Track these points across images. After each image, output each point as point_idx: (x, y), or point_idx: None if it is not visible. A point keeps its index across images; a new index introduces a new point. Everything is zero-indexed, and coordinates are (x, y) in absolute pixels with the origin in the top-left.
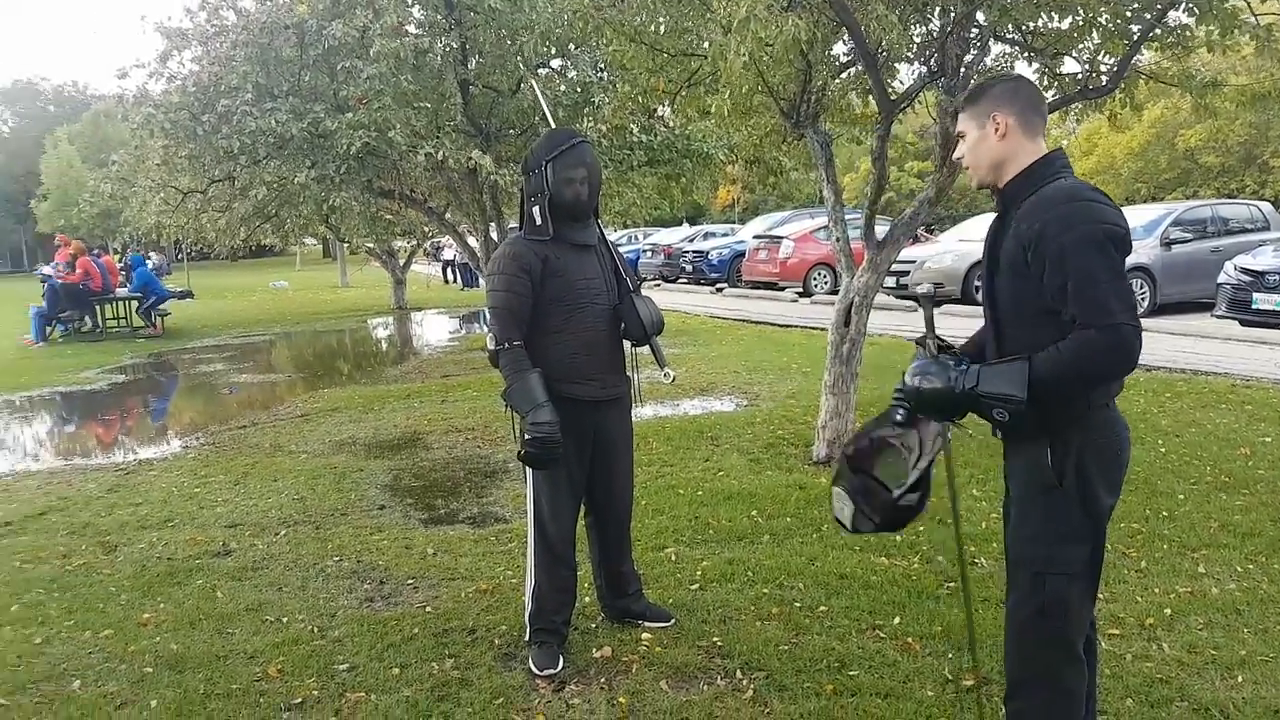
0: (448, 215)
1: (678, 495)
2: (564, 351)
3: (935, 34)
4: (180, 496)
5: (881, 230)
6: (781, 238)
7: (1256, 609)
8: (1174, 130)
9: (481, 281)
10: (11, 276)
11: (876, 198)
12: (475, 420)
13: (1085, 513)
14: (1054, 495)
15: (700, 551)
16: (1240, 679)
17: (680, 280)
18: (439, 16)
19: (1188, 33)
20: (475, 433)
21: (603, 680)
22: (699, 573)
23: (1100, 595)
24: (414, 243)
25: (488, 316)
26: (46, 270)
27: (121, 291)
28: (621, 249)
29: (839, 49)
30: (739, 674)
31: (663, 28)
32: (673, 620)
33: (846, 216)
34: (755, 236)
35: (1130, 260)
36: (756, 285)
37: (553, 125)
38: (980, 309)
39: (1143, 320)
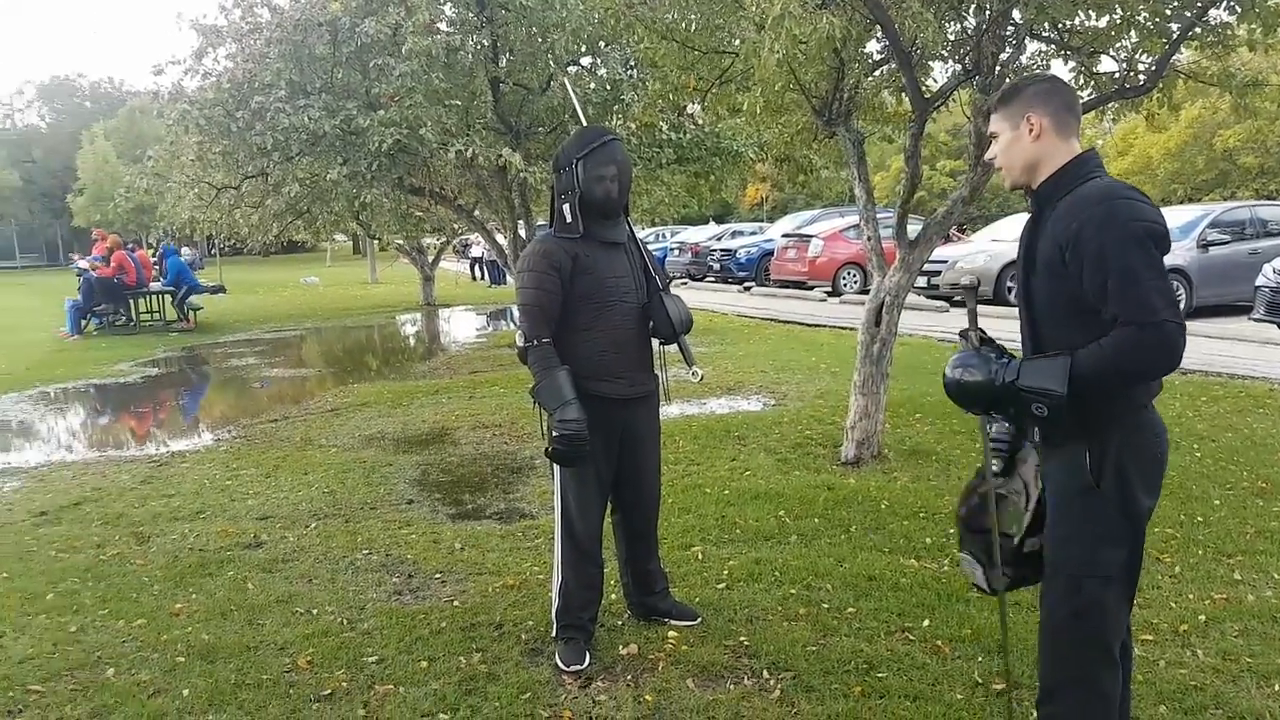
0: (476, 212)
1: (704, 494)
2: (592, 349)
3: (970, 32)
4: (212, 489)
5: (913, 229)
6: (811, 236)
7: None
8: (1212, 130)
9: (509, 279)
10: (47, 270)
11: (909, 196)
12: (502, 416)
13: (1123, 515)
14: (1091, 497)
15: (727, 551)
16: (1277, 688)
17: (707, 279)
18: (470, 14)
19: (1229, 31)
20: (502, 429)
21: (629, 677)
22: (726, 572)
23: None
24: (443, 240)
25: (517, 314)
26: (82, 264)
27: (155, 286)
28: (648, 247)
29: (872, 46)
30: (766, 674)
31: (694, 25)
32: (699, 619)
33: (878, 215)
34: (784, 235)
35: (1166, 261)
36: (785, 284)
37: (584, 123)
38: (1014, 309)
39: None
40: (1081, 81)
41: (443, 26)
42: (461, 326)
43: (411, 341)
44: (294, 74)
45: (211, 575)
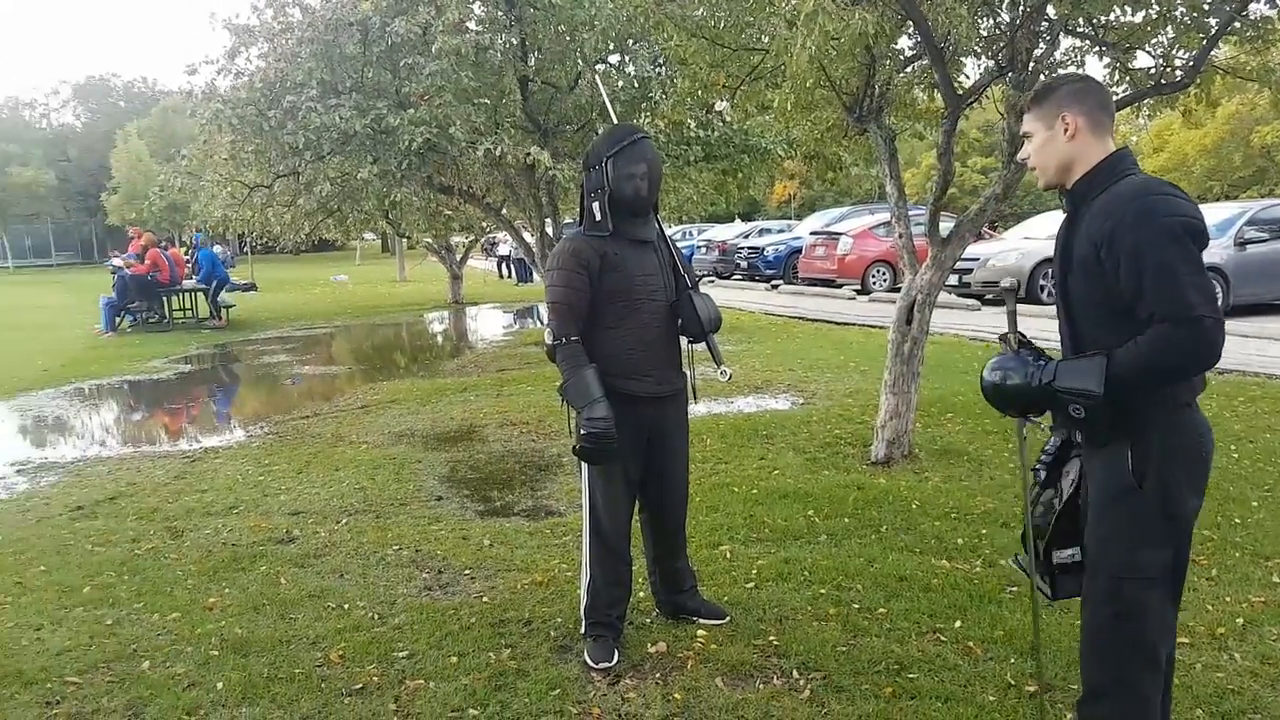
0: (504, 211)
1: (732, 493)
2: (621, 347)
3: (1004, 27)
4: (244, 484)
5: (945, 227)
6: (840, 234)
7: None
8: (1249, 126)
9: (536, 277)
10: (82, 268)
11: (942, 193)
12: (530, 414)
13: (1166, 516)
14: (1133, 497)
15: (755, 550)
16: None
17: (734, 277)
18: (499, 13)
19: (1269, 25)
20: (530, 427)
21: (658, 675)
22: (754, 571)
23: None
24: (471, 238)
25: (546, 312)
26: (116, 262)
27: (188, 283)
28: (677, 245)
29: (903, 42)
30: (795, 674)
31: (723, 22)
32: (728, 618)
33: (909, 212)
34: (812, 233)
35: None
36: (813, 282)
37: (615, 121)
38: (1047, 307)
39: None
40: (1116, 78)
41: (472, 25)
42: (489, 324)
43: (440, 339)
44: (325, 73)
45: (244, 570)
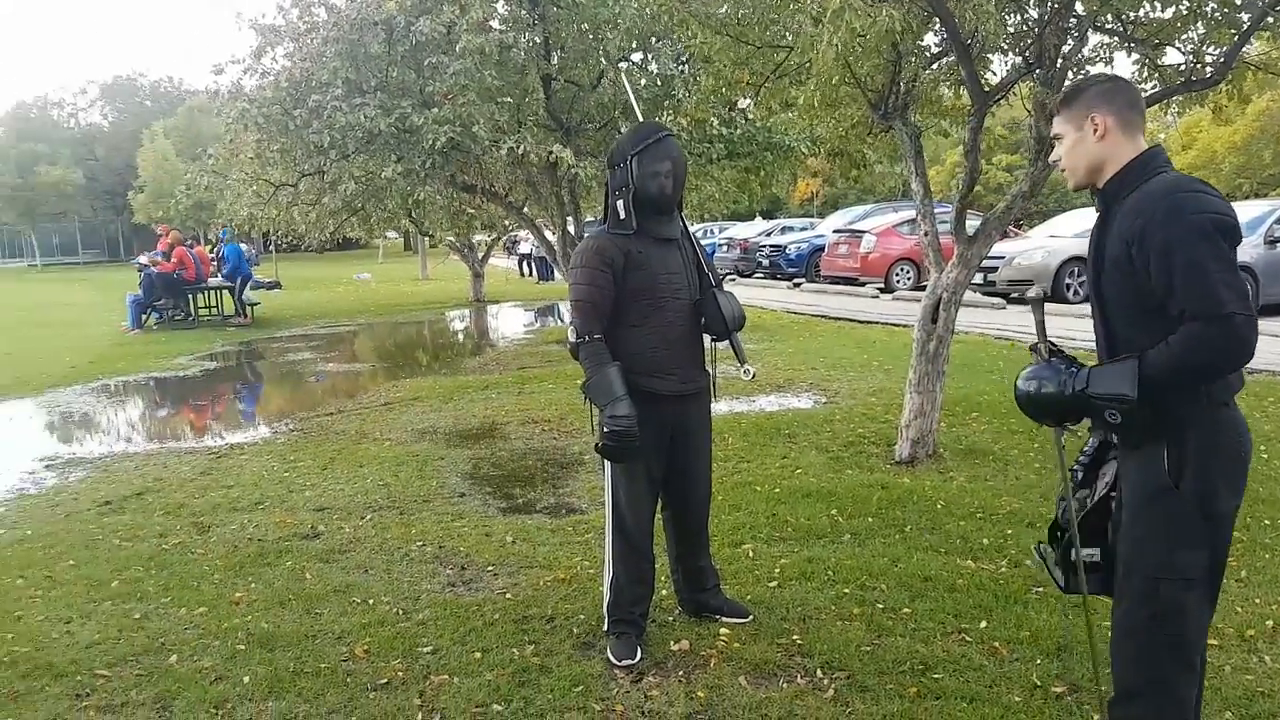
0: (526, 209)
1: (754, 492)
2: (644, 345)
3: (1031, 24)
4: (270, 480)
5: (971, 225)
6: (863, 232)
7: None
8: None
9: (557, 275)
10: (108, 265)
11: (968, 191)
12: (551, 412)
13: (1204, 516)
14: (1169, 497)
15: (778, 549)
16: None
17: (756, 275)
18: (523, 11)
19: None
20: (551, 424)
21: (680, 673)
22: (777, 570)
23: None
24: (493, 236)
25: (570, 309)
26: (143, 260)
27: (214, 281)
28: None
29: (929, 39)
30: (819, 673)
31: (748, 19)
32: (750, 616)
33: (935, 210)
34: (835, 231)
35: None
36: (835, 280)
37: (639, 119)
38: (1074, 307)
39: None
40: (1146, 74)
41: (495, 24)
42: (510, 322)
43: (461, 337)
44: (350, 73)
45: (270, 565)
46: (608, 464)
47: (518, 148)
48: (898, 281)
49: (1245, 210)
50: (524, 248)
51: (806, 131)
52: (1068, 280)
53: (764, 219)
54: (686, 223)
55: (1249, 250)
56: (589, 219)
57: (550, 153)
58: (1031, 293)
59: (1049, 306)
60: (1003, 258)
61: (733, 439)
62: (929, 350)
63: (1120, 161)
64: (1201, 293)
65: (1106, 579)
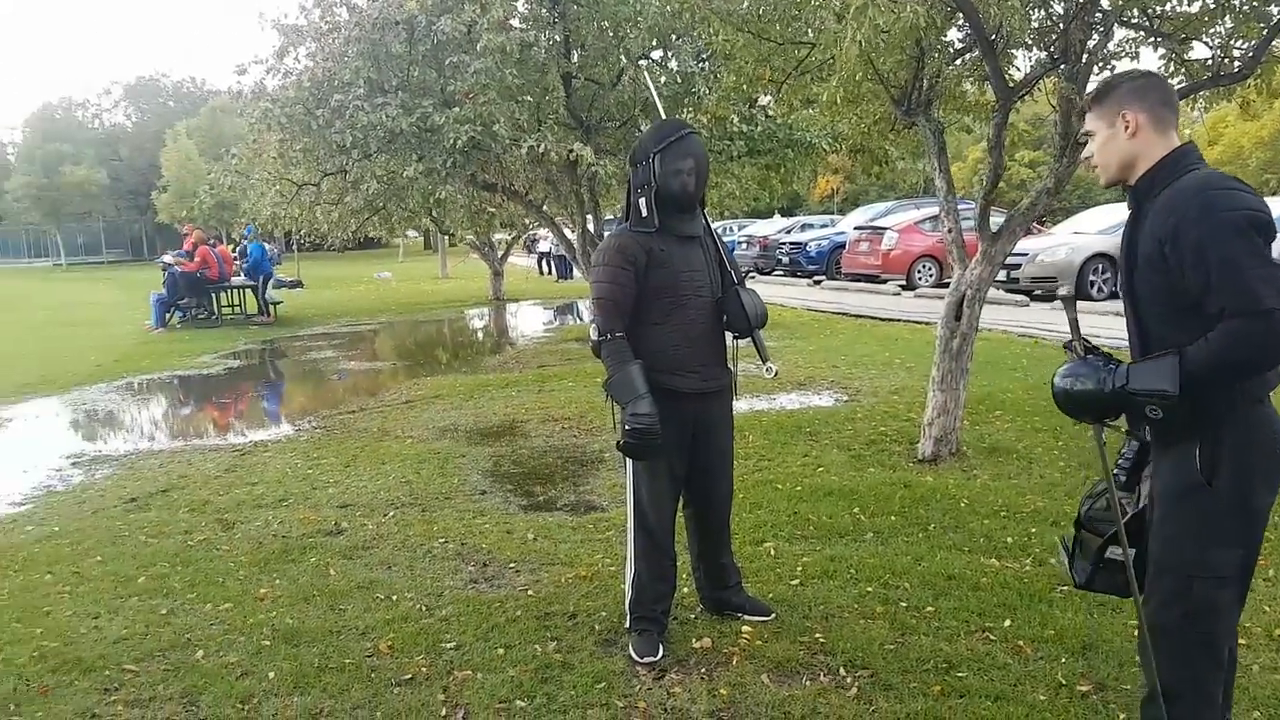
0: (545, 207)
1: (776, 490)
2: (666, 343)
3: (1056, 19)
4: (293, 477)
5: (994, 221)
6: (884, 229)
7: None
8: None
9: (576, 273)
10: (132, 265)
11: (992, 187)
12: (571, 410)
13: (1238, 513)
14: (1202, 495)
15: (800, 547)
16: None
17: (775, 272)
18: (543, 10)
19: None
20: (571, 422)
21: (703, 671)
22: (799, 568)
23: None
24: (513, 235)
25: (591, 308)
26: (167, 259)
27: (237, 280)
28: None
29: (953, 34)
30: (842, 671)
31: (770, 16)
32: (773, 614)
33: (958, 206)
34: (856, 228)
35: None
36: (857, 277)
37: (662, 117)
38: (1097, 304)
39: None
40: (1172, 69)
41: (516, 23)
42: (530, 321)
43: (481, 336)
44: (372, 72)
45: (294, 561)
46: (629, 462)
47: (538, 146)
48: (919, 278)
49: (1273, 206)
50: (543, 246)
51: (828, 128)
52: (1091, 277)
53: (782, 216)
54: (709, 220)
55: (1275, 247)
56: (608, 217)
57: (570, 151)
58: (1062, 291)
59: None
60: (1026, 254)
61: (754, 437)
62: (952, 348)
63: (1152, 158)
64: (1239, 289)
65: (1118, 578)
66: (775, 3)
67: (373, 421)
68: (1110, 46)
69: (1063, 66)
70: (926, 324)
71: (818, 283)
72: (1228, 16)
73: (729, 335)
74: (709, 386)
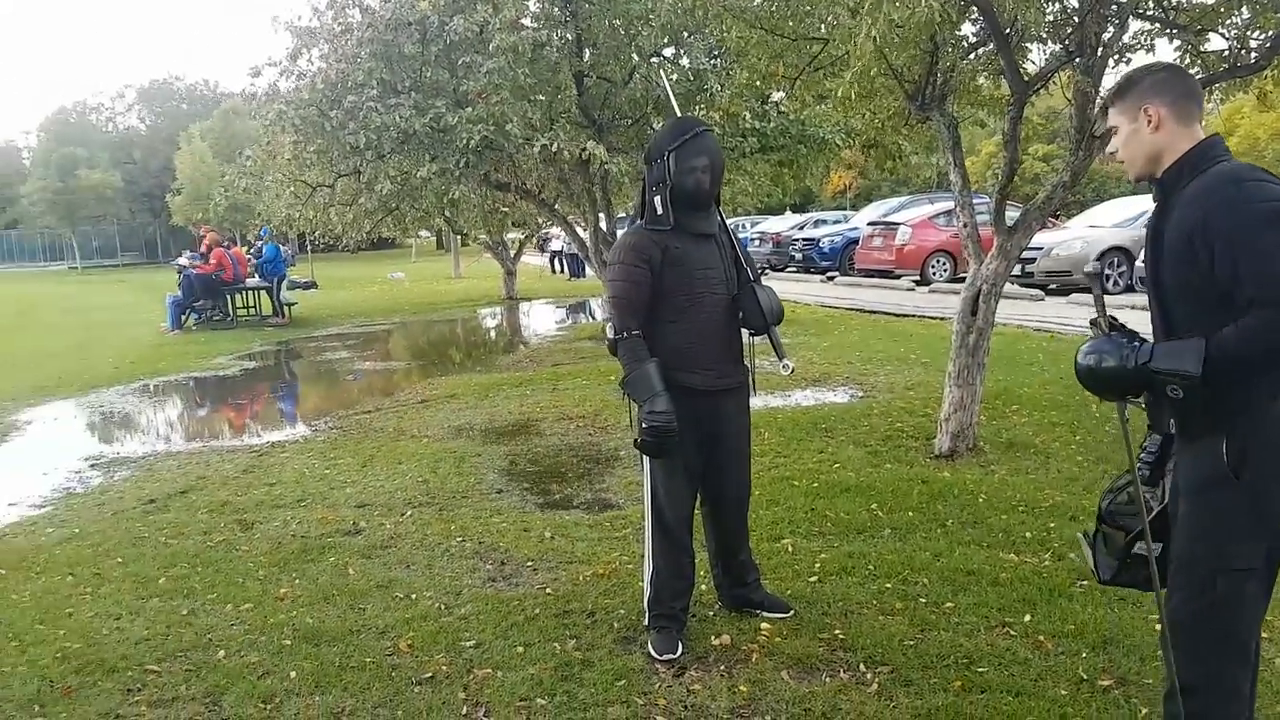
0: (558, 206)
1: (792, 487)
2: (682, 340)
3: (1071, 11)
4: (311, 477)
5: (1010, 215)
6: (898, 224)
7: None
8: None
9: (589, 271)
10: (146, 267)
11: (1008, 182)
12: (586, 408)
13: (1264, 507)
14: (1227, 489)
15: (818, 544)
16: None
17: (788, 269)
18: (555, 9)
19: None
20: (586, 420)
21: (722, 668)
22: (817, 565)
23: None
24: (526, 234)
25: (607, 306)
26: (182, 261)
27: (251, 282)
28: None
29: (967, 28)
30: (862, 667)
31: (783, 12)
32: (791, 611)
33: (973, 201)
34: (870, 223)
35: None
36: (870, 273)
37: (676, 115)
38: (1113, 297)
39: None
40: (1188, 61)
41: (528, 22)
42: (543, 320)
43: (495, 335)
44: (385, 73)
45: (314, 561)
46: (646, 459)
47: (550, 145)
48: (934, 273)
49: None
50: (555, 245)
51: (841, 124)
52: (1107, 270)
53: (795, 212)
54: (724, 217)
55: None
56: (621, 215)
57: (583, 149)
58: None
59: (1085, 296)
60: (1041, 249)
61: (770, 434)
62: (969, 343)
63: (1178, 151)
64: (1268, 280)
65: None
66: None
67: (388, 421)
68: (1125, 39)
69: (1078, 59)
70: (941, 319)
71: (831, 279)
72: (1244, 7)
73: (745, 332)
74: (725, 384)
